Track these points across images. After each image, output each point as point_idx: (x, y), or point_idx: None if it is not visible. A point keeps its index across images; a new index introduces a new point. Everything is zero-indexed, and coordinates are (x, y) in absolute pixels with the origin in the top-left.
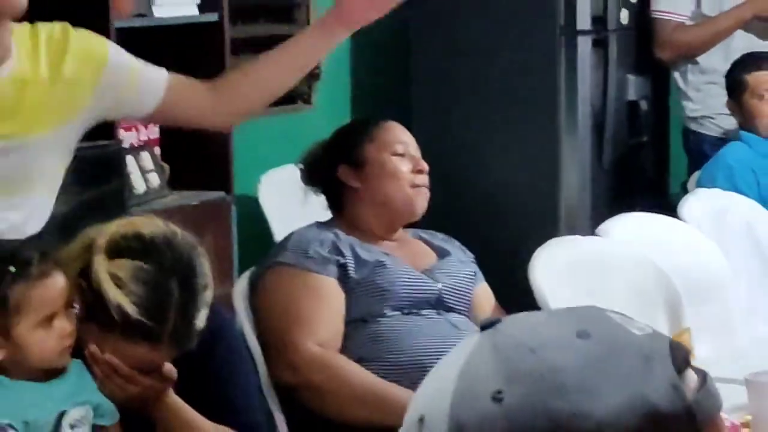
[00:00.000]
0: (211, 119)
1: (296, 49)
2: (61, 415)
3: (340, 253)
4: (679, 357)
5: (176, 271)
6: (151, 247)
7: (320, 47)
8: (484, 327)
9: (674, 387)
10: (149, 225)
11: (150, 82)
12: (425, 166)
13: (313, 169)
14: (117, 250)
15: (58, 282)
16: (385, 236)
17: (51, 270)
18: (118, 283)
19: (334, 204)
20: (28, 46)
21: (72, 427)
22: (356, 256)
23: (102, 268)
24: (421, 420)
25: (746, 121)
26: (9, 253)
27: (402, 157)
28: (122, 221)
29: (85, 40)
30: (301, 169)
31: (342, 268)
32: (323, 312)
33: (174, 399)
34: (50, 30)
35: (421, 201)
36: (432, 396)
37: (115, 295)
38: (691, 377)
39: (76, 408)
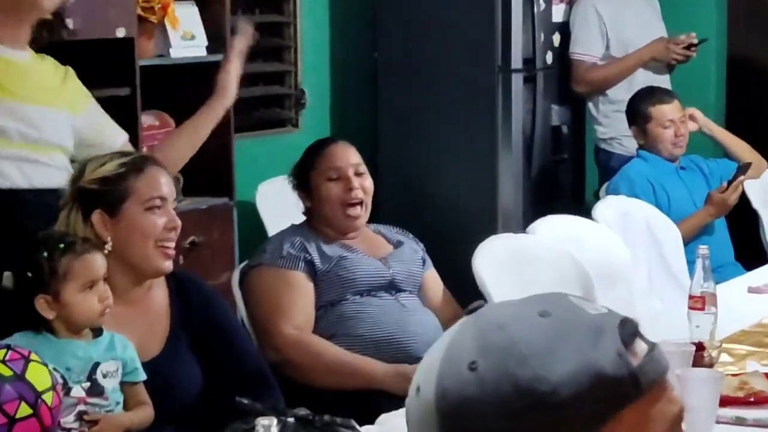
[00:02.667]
0: None
1: (193, 126)
2: (96, 365)
3: (308, 252)
4: (628, 330)
5: None
6: None
7: (209, 121)
8: (470, 312)
9: (620, 355)
10: None
11: (109, 144)
12: (354, 184)
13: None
14: None
15: (96, 258)
16: (341, 238)
17: (91, 249)
18: None
19: (306, 211)
20: (38, 60)
21: (104, 376)
22: (321, 253)
23: None
24: (418, 389)
25: (649, 144)
26: (58, 236)
27: (335, 181)
28: None
29: (77, 81)
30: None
31: (309, 263)
32: (297, 301)
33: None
34: (54, 61)
35: (349, 222)
36: (426, 368)
37: None
38: (641, 347)
39: (110, 362)
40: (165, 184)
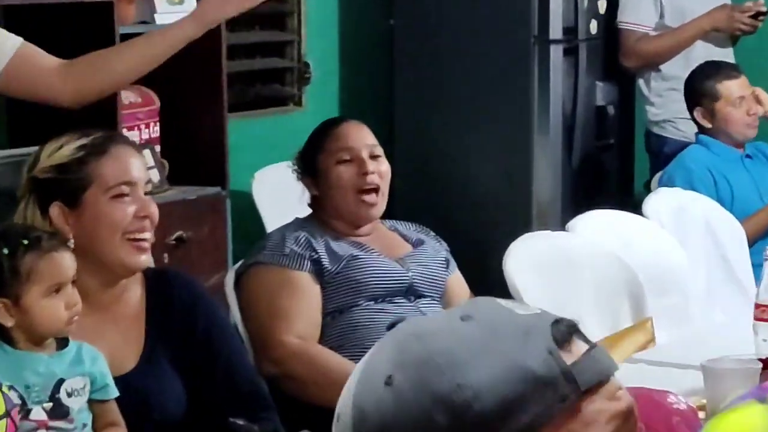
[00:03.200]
0: (59, 95)
1: (148, 40)
2: (60, 382)
3: (314, 249)
4: (563, 329)
5: None
6: None
7: (171, 41)
8: (390, 327)
9: (551, 354)
10: None
11: (1, 43)
12: (369, 168)
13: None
14: None
15: (65, 257)
16: (353, 233)
17: (59, 246)
18: None
19: (313, 202)
20: None
21: (69, 395)
22: (330, 251)
23: None
24: (337, 418)
25: (719, 128)
26: (21, 230)
27: (348, 164)
28: None
29: None
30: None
31: (316, 263)
32: (301, 306)
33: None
34: None
35: (365, 209)
36: (344, 393)
37: None
38: (579, 347)
39: (75, 378)
40: (133, 166)
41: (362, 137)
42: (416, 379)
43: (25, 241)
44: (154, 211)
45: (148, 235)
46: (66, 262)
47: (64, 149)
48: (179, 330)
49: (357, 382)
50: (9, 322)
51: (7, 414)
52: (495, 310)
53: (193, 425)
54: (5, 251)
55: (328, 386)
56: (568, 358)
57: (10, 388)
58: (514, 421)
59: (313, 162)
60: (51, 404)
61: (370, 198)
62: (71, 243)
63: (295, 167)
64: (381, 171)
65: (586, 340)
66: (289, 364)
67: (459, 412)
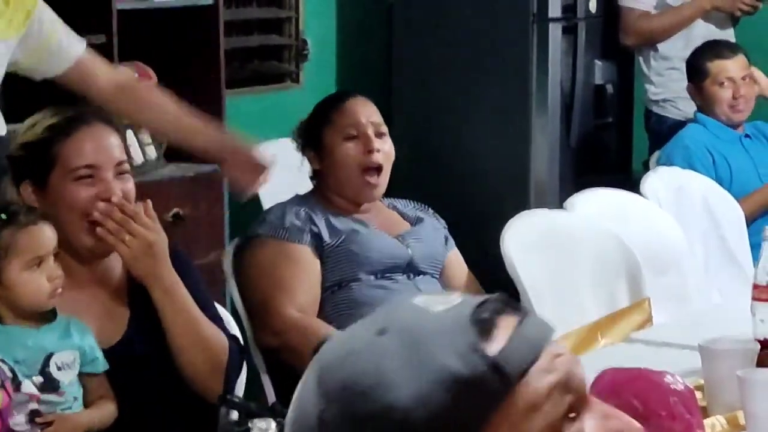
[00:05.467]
0: (103, 103)
1: (185, 125)
2: (49, 356)
3: (314, 223)
4: (484, 315)
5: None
6: None
7: (197, 142)
8: (314, 351)
9: (473, 350)
10: None
11: (66, 48)
12: (374, 146)
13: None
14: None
15: (44, 230)
16: (354, 210)
17: (37, 219)
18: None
19: (314, 177)
20: None
21: (59, 368)
22: (330, 226)
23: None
24: None
25: (706, 106)
26: (0, 206)
27: (354, 140)
28: None
29: None
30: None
31: (316, 236)
32: (301, 279)
33: (172, 278)
34: None
35: (367, 190)
36: None
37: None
38: (506, 325)
39: (64, 351)
40: (99, 148)
41: (369, 114)
42: (344, 410)
43: (3, 216)
44: (127, 190)
45: (107, 216)
46: (45, 234)
47: (36, 127)
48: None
49: (292, 423)
50: None
51: (1, 385)
52: (410, 315)
53: (183, 393)
54: None
55: None
56: (495, 345)
57: (2, 362)
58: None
59: (317, 135)
60: (41, 378)
61: (372, 179)
62: None
63: (298, 138)
64: (385, 150)
65: (515, 311)
66: (289, 335)
67: None
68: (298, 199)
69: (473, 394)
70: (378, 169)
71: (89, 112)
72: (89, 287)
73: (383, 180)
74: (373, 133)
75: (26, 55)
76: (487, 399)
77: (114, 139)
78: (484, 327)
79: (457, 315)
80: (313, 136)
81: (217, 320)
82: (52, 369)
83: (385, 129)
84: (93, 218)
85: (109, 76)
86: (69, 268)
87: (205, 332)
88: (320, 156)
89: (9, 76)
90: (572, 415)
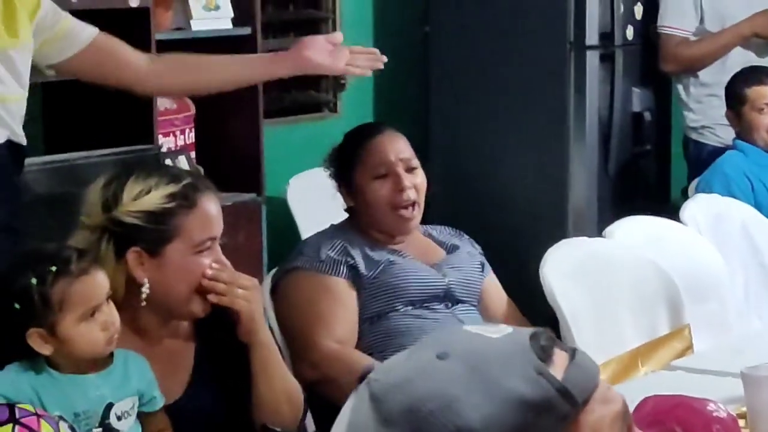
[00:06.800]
0: (139, 83)
1: (240, 63)
2: (109, 407)
3: (350, 255)
4: (542, 344)
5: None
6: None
7: (260, 72)
8: (361, 379)
9: (539, 373)
10: None
11: (76, 34)
12: (405, 184)
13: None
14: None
15: (97, 277)
16: (390, 241)
17: (90, 267)
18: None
19: (349, 209)
20: None
21: (119, 418)
22: (366, 258)
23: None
24: None
25: (745, 132)
26: (49, 254)
27: (383, 179)
28: None
29: None
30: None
31: (352, 269)
32: (338, 311)
33: (265, 332)
34: None
35: (402, 224)
36: None
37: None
38: (561, 357)
39: (123, 400)
40: (217, 220)
41: (398, 150)
42: (412, 430)
43: (53, 268)
44: (227, 263)
45: (221, 287)
46: (98, 283)
47: (152, 195)
48: (223, 348)
49: None
50: (47, 351)
51: None
52: (468, 340)
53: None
54: (33, 281)
55: None
56: (556, 373)
57: (60, 418)
58: None
59: (348, 173)
60: (101, 429)
61: (406, 213)
62: (146, 289)
63: (330, 167)
64: (417, 184)
65: (563, 346)
66: (328, 367)
67: None
68: (333, 230)
69: (544, 416)
70: (412, 204)
71: (202, 180)
72: (159, 345)
73: (418, 212)
74: (403, 170)
75: (39, 50)
76: (557, 422)
77: (219, 206)
78: (544, 354)
79: (515, 341)
80: (344, 174)
81: None
82: (113, 420)
83: (416, 163)
84: (204, 285)
85: (139, 55)
86: (147, 327)
87: (292, 382)
88: (352, 194)
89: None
90: None
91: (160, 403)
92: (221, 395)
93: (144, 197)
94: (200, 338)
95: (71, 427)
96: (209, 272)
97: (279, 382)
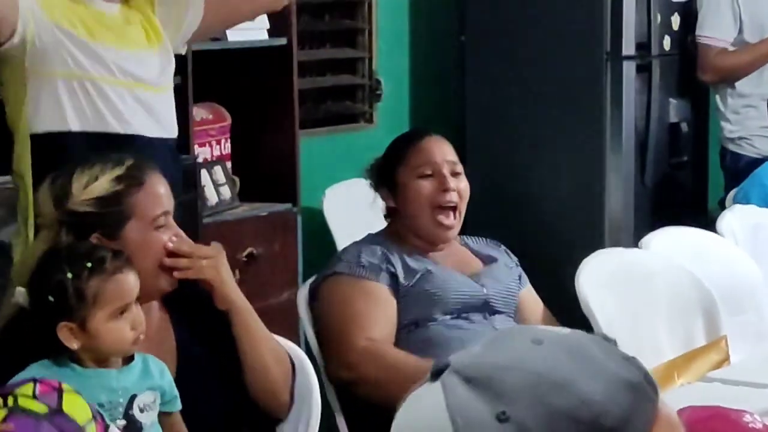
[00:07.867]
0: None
1: None
2: (133, 398)
3: (390, 263)
4: (611, 340)
5: None
6: None
7: None
8: (436, 374)
9: (628, 360)
10: None
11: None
12: (449, 185)
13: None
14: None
15: (130, 277)
16: (429, 249)
17: (124, 266)
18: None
19: (388, 213)
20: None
21: (141, 410)
22: (405, 265)
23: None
24: None
25: None
26: (84, 251)
27: (428, 179)
28: None
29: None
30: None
31: (392, 276)
32: (376, 313)
33: (240, 296)
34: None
35: (441, 231)
36: None
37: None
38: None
39: (146, 392)
40: (166, 195)
41: (444, 153)
42: (534, 404)
43: (89, 264)
44: (183, 235)
45: (184, 261)
46: (131, 281)
47: (100, 181)
48: (205, 328)
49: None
50: (75, 345)
51: (94, 418)
52: (548, 331)
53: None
54: (69, 275)
55: (401, 384)
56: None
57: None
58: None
59: (391, 174)
60: (125, 422)
61: (447, 220)
62: None
63: (371, 177)
64: (460, 189)
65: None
66: (361, 365)
67: (596, 427)
68: (372, 238)
69: (644, 397)
70: (453, 208)
71: (145, 160)
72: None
73: (458, 220)
74: (448, 172)
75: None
76: (650, 404)
77: (166, 183)
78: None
79: (589, 337)
80: (387, 175)
81: None
82: (135, 411)
83: (460, 168)
84: (167, 264)
85: None
86: None
87: (277, 343)
88: (394, 193)
89: None
90: None
91: (178, 405)
92: (212, 372)
93: (93, 184)
94: (176, 323)
95: (99, 413)
96: (170, 245)
97: (264, 343)
